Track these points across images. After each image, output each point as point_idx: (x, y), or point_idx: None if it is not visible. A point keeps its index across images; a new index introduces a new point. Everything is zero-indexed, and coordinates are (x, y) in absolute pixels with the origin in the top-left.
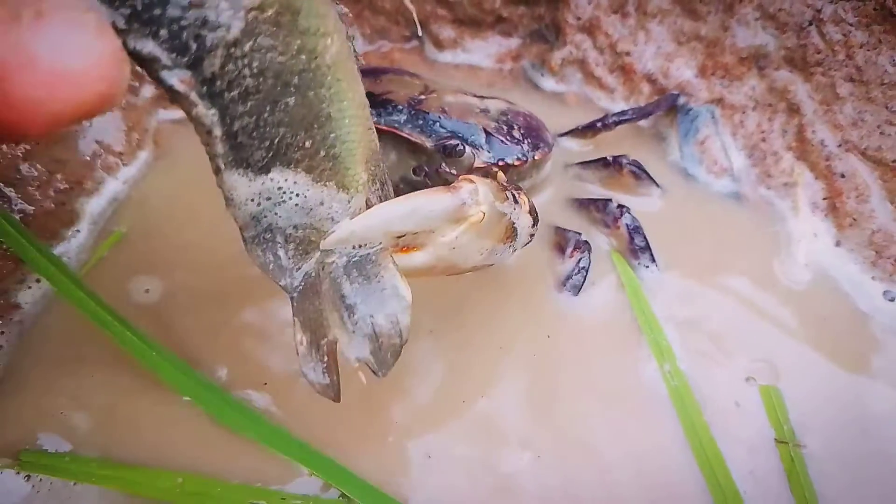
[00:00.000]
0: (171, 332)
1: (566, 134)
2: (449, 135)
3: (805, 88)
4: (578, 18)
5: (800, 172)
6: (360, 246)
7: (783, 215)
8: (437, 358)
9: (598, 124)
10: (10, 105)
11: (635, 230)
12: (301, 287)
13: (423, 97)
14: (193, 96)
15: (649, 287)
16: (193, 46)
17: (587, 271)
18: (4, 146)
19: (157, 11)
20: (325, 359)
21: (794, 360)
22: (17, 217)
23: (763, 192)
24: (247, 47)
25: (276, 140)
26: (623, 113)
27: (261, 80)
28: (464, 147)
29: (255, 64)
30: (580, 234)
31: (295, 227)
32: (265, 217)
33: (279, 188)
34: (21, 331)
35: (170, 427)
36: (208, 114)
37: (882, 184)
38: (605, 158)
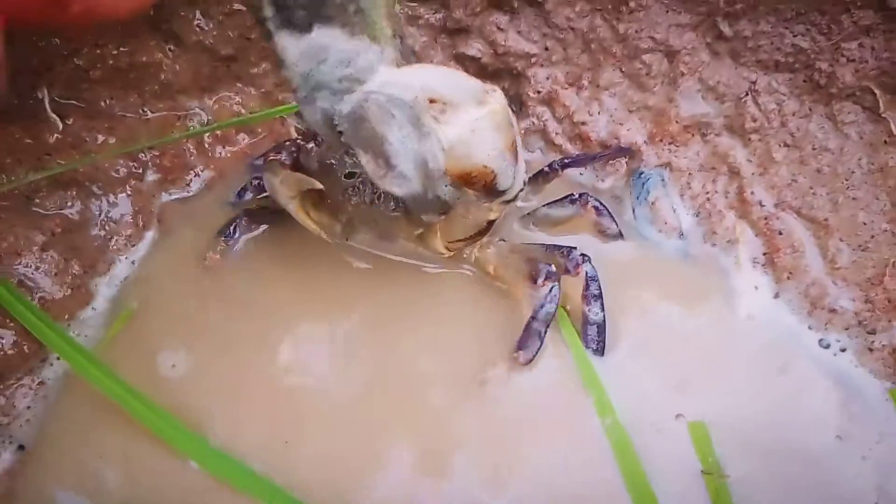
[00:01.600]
0: (186, 402)
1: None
2: None
3: (744, 153)
4: (538, 92)
5: (741, 230)
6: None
7: (727, 270)
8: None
9: (546, 169)
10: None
11: (593, 279)
12: (351, 117)
13: None
14: None
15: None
16: None
17: (549, 321)
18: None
19: None
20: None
21: (726, 399)
22: (39, 302)
23: (709, 249)
24: None
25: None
26: (570, 157)
27: None
28: None
29: None
30: (550, 265)
31: (339, 80)
32: (312, 75)
33: (321, 45)
34: (46, 405)
35: (189, 495)
36: None
37: (815, 240)
38: (571, 195)
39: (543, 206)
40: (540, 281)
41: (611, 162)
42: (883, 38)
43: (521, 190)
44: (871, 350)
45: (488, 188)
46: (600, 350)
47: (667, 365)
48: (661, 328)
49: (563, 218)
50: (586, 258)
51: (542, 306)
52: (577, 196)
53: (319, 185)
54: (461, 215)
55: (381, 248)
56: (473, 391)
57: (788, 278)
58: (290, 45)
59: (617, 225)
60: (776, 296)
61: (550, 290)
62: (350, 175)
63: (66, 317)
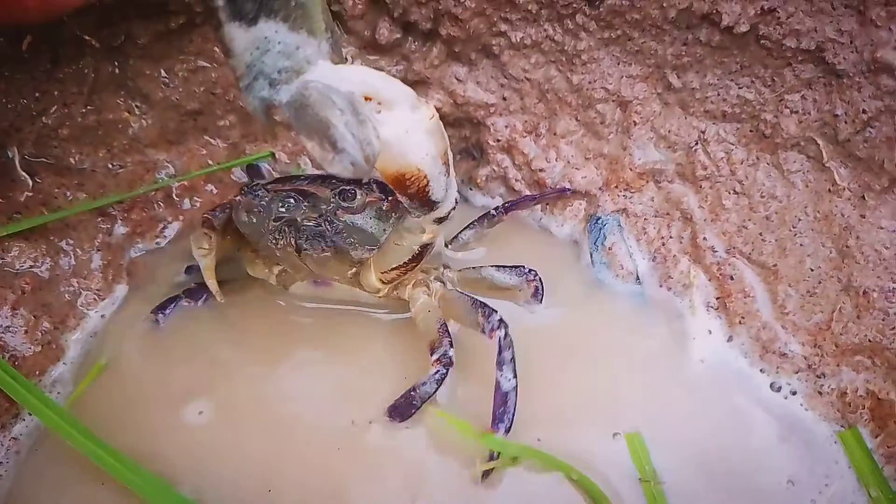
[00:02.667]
0: (155, 452)
1: (465, 229)
2: (343, 181)
3: (696, 199)
4: (498, 140)
5: (695, 275)
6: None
7: (682, 314)
8: None
9: (493, 212)
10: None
11: (507, 346)
12: (294, 105)
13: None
14: None
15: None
16: None
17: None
18: None
19: None
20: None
21: (679, 442)
22: (10, 360)
23: (664, 293)
24: None
25: None
26: (513, 200)
27: None
28: (355, 192)
29: None
30: (450, 347)
31: (279, 71)
32: (255, 66)
33: (265, 37)
34: (18, 460)
35: None
36: None
37: (765, 286)
38: (523, 267)
39: (491, 266)
40: (432, 358)
41: (552, 203)
42: (824, 90)
43: (453, 208)
44: (820, 394)
45: (422, 194)
46: (507, 428)
47: (621, 409)
48: (616, 372)
49: (503, 285)
50: (503, 324)
51: (424, 383)
52: (527, 270)
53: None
54: (394, 242)
55: (322, 295)
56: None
57: (740, 322)
58: (237, 35)
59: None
60: (729, 339)
61: (436, 373)
62: (278, 219)
63: (38, 372)
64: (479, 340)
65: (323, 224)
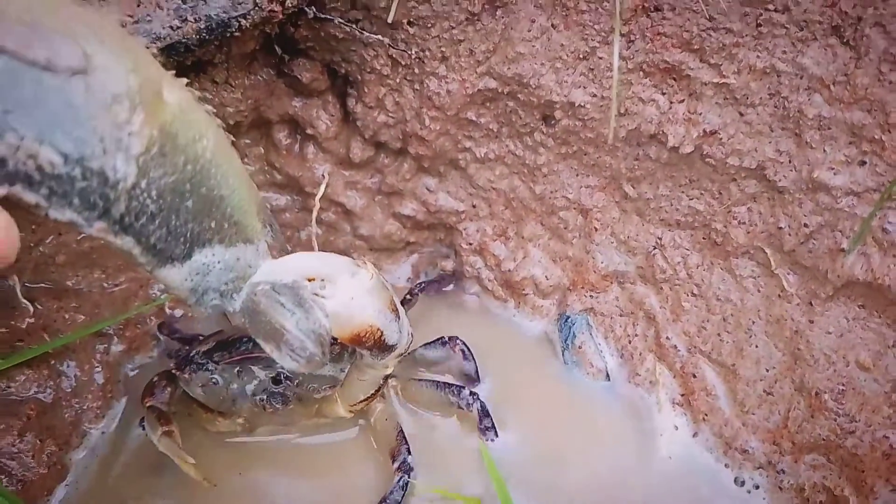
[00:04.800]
0: None
1: None
2: None
3: (657, 300)
4: (470, 243)
5: (661, 372)
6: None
7: (650, 409)
8: None
9: (408, 296)
10: None
11: (485, 412)
12: (246, 312)
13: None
14: (109, 237)
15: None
16: (101, 203)
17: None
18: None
19: (68, 187)
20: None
21: None
22: (19, 484)
23: (633, 390)
24: (143, 184)
25: (188, 234)
26: (423, 282)
27: (161, 201)
28: None
29: (153, 192)
30: (409, 454)
31: (225, 283)
32: (200, 286)
33: (203, 263)
34: None
35: None
36: (125, 241)
37: (725, 384)
38: (442, 338)
39: (420, 347)
40: (394, 466)
41: (523, 302)
42: (768, 204)
43: (410, 342)
44: (780, 489)
45: (379, 344)
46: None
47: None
48: (587, 466)
49: (436, 359)
50: (476, 396)
51: (391, 492)
52: (447, 339)
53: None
54: (357, 378)
55: (287, 431)
56: None
57: (704, 420)
58: (171, 274)
59: (477, 371)
60: (694, 435)
61: (399, 481)
62: (236, 386)
63: (45, 493)
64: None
65: (283, 382)
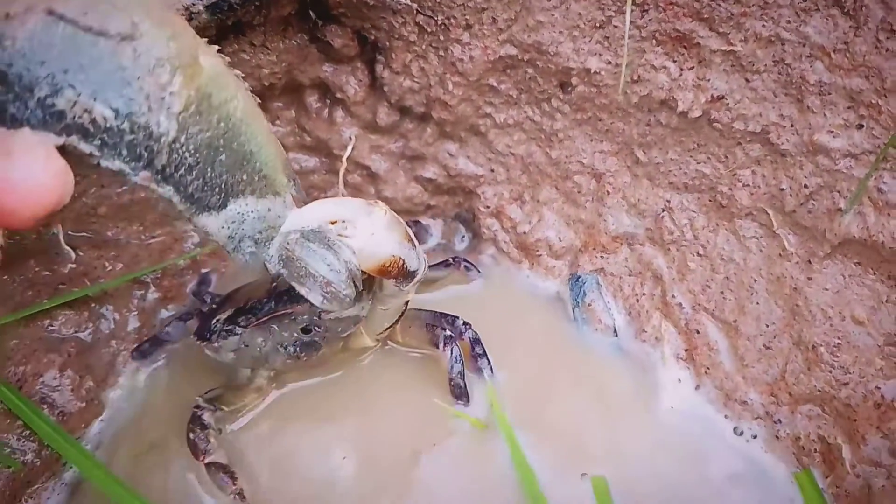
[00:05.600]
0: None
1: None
2: None
3: (664, 261)
4: (487, 207)
5: (666, 329)
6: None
7: (655, 364)
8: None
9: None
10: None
11: (476, 341)
12: (281, 260)
13: (275, 282)
14: (152, 185)
15: (529, 412)
16: (146, 154)
17: (463, 374)
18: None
19: (118, 139)
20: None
21: (649, 478)
22: (58, 416)
23: (639, 345)
24: (182, 139)
25: (223, 185)
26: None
27: (198, 154)
28: None
29: (191, 146)
30: (445, 329)
31: (259, 232)
32: (236, 234)
33: (238, 213)
34: (66, 498)
35: None
36: (166, 190)
37: (727, 339)
38: (447, 260)
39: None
40: (441, 347)
41: (537, 263)
42: (771, 167)
43: (426, 268)
44: (777, 438)
45: (403, 272)
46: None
47: (598, 447)
48: (593, 417)
49: (439, 277)
50: (468, 325)
51: (451, 367)
52: (451, 260)
53: None
54: (381, 309)
55: (314, 374)
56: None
57: (706, 373)
58: (209, 222)
59: (478, 269)
60: (696, 388)
61: (452, 353)
62: (265, 344)
63: (83, 426)
64: None
65: (313, 331)
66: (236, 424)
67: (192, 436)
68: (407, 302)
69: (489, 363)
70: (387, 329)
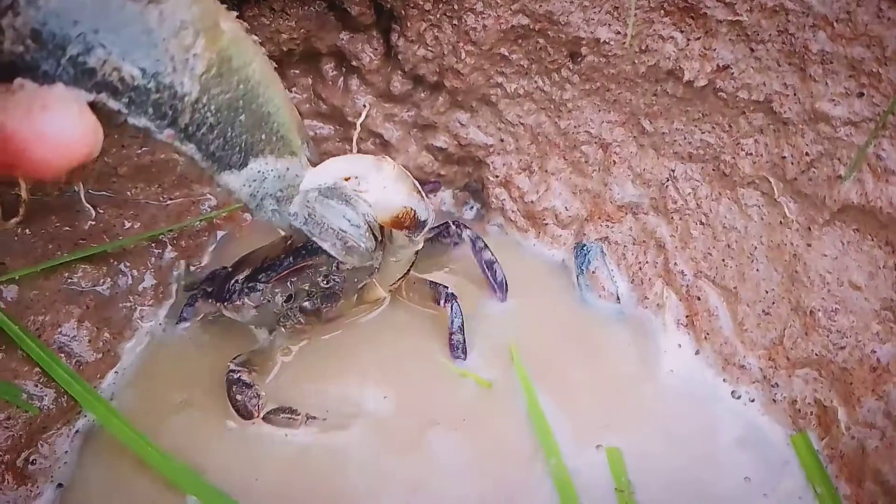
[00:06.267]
0: (195, 443)
1: None
2: None
3: (668, 230)
4: (496, 176)
5: (667, 296)
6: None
7: (656, 330)
8: None
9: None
10: (32, 163)
11: (458, 313)
12: (303, 217)
13: (290, 240)
14: (176, 142)
15: (533, 375)
16: (170, 113)
17: (462, 329)
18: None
19: (144, 97)
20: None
21: (647, 439)
22: (75, 366)
23: (641, 312)
24: (204, 99)
25: (243, 144)
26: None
27: (219, 114)
28: None
29: (212, 106)
30: (447, 287)
31: (280, 190)
32: (258, 192)
33: (259, 171)
34: (80, 450)
35: None
36: (189, 148)
37: (727, 305)
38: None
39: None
40: (442, 303)
41: (543, 232)
42: (773, 136)
43: (434, 217)
44: (774, 402)
45: (414, 222)
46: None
47: (598, 409)
48: (597, 378)
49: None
50: (453, 297)
51: (452, 322)
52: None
53: None
54: (392, 260)
55: (329, 330)
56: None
57: (706, 338)
58: (231, 180)
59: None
60: (696, 353)
61: (452, 308)
62: (288, 300)
63: (98, 376)
64: None
65: (332, 283)
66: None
67: (238, 397)
68: (417, 252)
69: (491, 250)
70: (398, 280)
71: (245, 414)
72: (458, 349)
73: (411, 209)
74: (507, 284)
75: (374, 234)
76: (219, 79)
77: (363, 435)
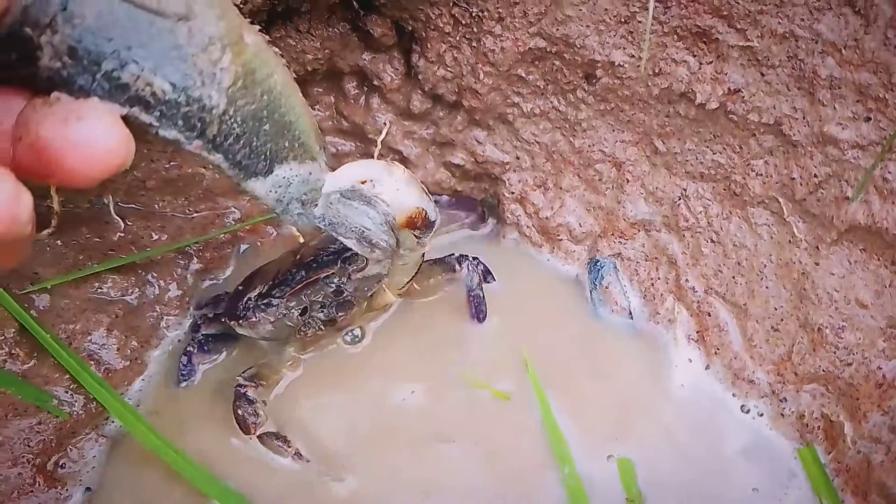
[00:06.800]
0: (221, 454)
1: None
2: (336, 251)
3: (679, 247)
4: (512, 192)
5: (678, 311)
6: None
7: (667, 344)
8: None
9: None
10: (66, 171)
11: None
12: (328, 218)
13: (298, 254)
14: (204, 153)
15: (546, 388)
16: (199, 125)
17: (481, 286)
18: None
19: (175, 111)
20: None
21: (658, 451)
22: (104, 373)
23: (652, 327)
24: (231, 111)
25: (268, 152)
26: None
27: (245, 124)
28: (355, 252)
29: (239, 117)
30: (453, 253)
31: (304, 194)
32: (283, 197)
33: (284, 177)
34: (108, 455)
35: None
36: (216, 157)
37: (736, 321)
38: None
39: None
40: (456, 267)
41: (557, 247)
42: (783, 157)
43: (440, 220)
44: (782, 416)
45: (426, 222)
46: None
47: (610, 421)
48: (609, 391)
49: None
50: (464, 256)
51: (469, 279)
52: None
53: None
54: (400, 264)
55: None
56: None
57: (716, 353)
58: (257, 186)
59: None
60: (706, 367)
61: (468, 267)
62: (304, 311)
63: (126, 383)
64: None
65: (345, 292)
66: (274, 393)
67: (240, 412)
68: (423, 255)
69: (492, 277)
70: (407, 283)
71: (244, 429)
72: (478, 308)
73: (422, 210)
74: (485, 314)
75: (393, 230)
76: (244, 91)
77: (372, 442)
